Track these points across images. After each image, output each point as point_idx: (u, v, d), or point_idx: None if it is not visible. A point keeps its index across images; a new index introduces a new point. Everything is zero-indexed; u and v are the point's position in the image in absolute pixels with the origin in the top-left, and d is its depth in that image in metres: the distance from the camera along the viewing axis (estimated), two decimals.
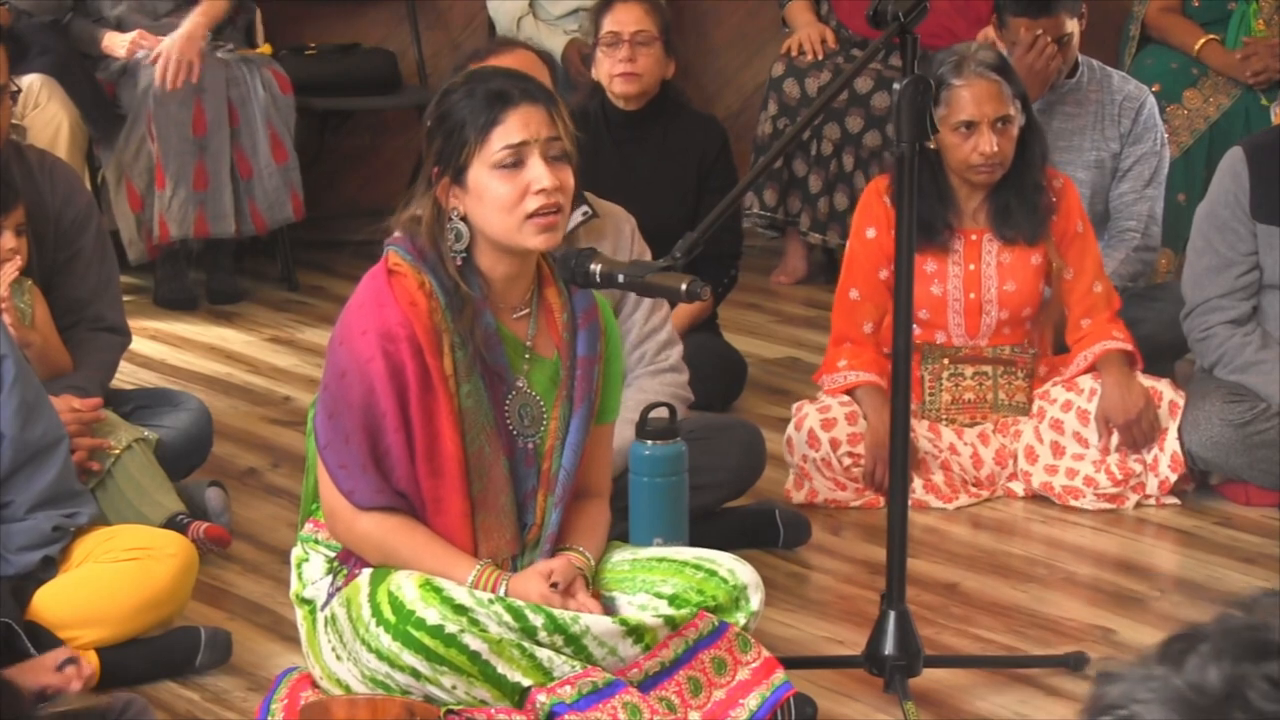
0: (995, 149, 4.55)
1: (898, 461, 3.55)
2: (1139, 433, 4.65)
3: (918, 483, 4.66)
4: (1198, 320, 4.79)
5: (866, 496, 4.63)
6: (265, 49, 6.52)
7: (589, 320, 3.46)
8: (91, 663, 3.58)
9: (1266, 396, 4.67)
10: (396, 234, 3.44)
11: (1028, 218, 4.66)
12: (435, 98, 3.42)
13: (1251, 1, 6.19)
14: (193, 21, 6.28)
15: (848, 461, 4.61)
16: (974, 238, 4.70)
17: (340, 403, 3.33)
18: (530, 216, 3.30)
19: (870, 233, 4.68)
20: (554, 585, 3.30)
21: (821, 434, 4.61)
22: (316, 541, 3.54)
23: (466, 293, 3.34)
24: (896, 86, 3.41)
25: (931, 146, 4.47)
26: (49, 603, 3.64)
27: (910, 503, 4.52)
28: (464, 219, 3.35)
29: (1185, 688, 1.23)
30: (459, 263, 3.35)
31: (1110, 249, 5.31)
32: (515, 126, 3.31)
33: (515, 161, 3.31)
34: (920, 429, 4.69)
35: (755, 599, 3.45)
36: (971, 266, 4.69)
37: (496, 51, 4.19)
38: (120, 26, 6.36)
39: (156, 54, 6.19)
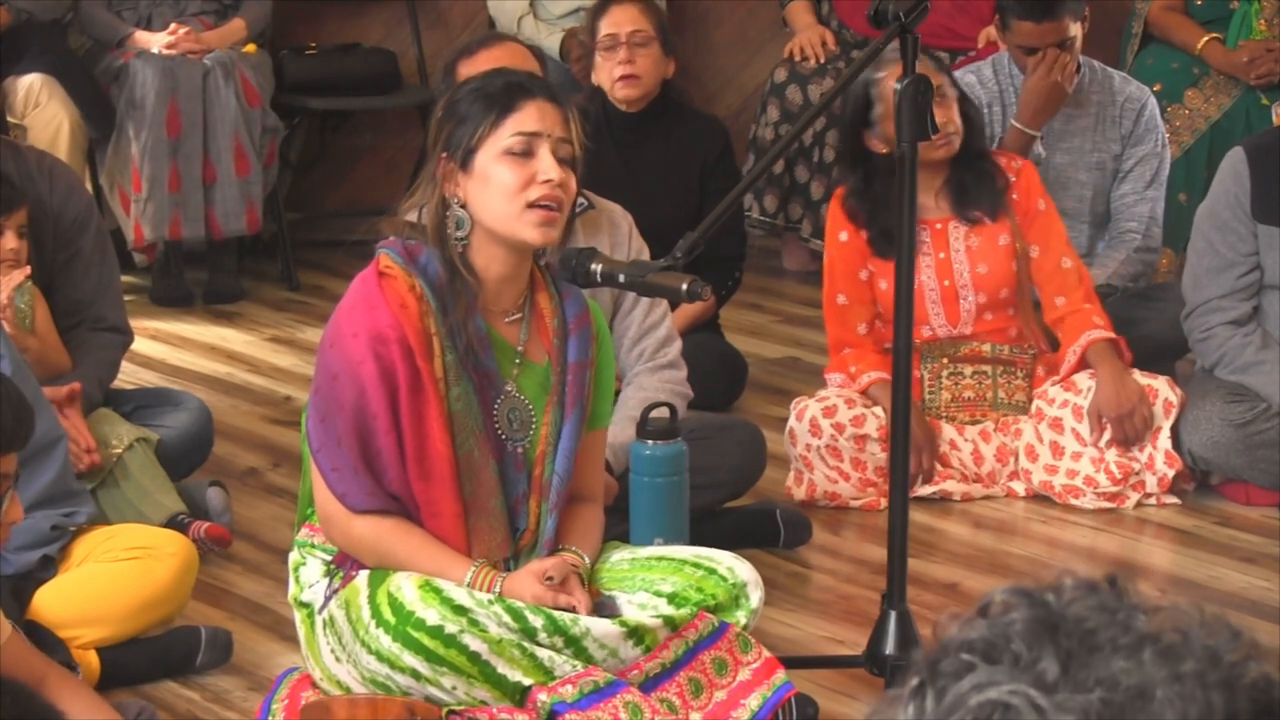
0: (950, 119, 4.56)
1: (898, 463, 3.55)
2: (1130, 429, 4.64)
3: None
4: (1198, 321, 4.79)
5: (867, 495, 4.64)
6: (251, 48, 6.51)
7: (580, 326, 3.44)
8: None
9: (1267, 397, 4.67)
10: (389, 237, 3.43)
11: (985, 192, 4.69)
12: (448, 94, 3.41)
13: (1253, 1, 6.19)
14: (213, 31, 6.39)
15: (855, 447, 4.61)
16: (939, 226, 4.73)
17: (332, 405, 3.32)
18: (531, 206, 3.29)
19: (843, 236, 4.74)
20: (549, 579, 3.29)
21: (824, 421, 4.62)
22: (313, 546, 3.53)
23: (463, 279, 3.32)
24: (897, 87, 3.41)
25: (884, 151, 4.49)
26: (49, 602, 3.64)
27: (936, 491, 4.63)
28: (464, 207, 3.35)
29: None
30: (460, 250, 3.34)
31: (1111, 250, 5.31)
32: (531, 116, 3.31)
33: (525, 151, 3.30)
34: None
35: (755, 596, 3.45)
36: (941, 255, 4.72)
37: (487, 45, 4.18)
38: (149, 23, 6.37)
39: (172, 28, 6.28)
